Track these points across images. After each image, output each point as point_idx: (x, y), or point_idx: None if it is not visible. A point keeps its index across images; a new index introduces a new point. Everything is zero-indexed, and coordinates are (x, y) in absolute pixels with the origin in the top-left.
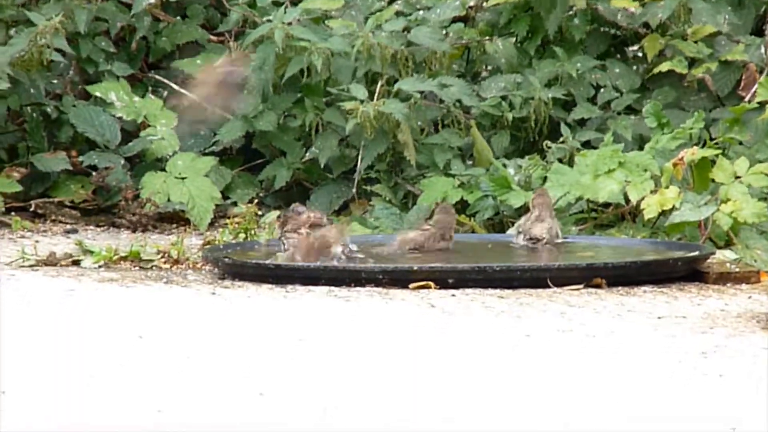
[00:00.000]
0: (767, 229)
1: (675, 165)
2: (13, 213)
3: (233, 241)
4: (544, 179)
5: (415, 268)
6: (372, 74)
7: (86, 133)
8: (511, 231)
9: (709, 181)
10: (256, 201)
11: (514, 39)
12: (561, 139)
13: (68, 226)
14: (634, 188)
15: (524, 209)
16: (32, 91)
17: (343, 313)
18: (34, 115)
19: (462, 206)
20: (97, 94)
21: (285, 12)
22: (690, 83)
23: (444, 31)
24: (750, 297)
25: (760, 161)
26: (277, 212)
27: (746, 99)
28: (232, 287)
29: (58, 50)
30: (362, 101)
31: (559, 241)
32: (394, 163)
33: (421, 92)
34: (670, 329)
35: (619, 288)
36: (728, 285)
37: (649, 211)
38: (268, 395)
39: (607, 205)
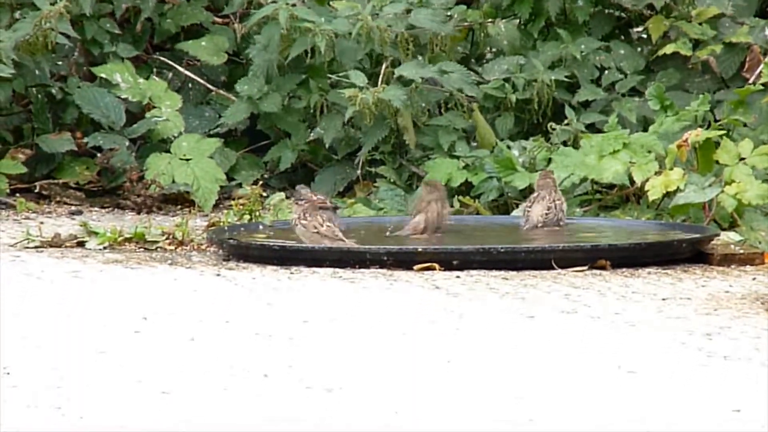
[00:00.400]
0: None
1: (679, 146)
2: (17, 194)
3: (238, 223)
4: (549, 161)
5: (420, 249)
6: (376, 56)
7: (91, 115)
8: (516, 212)
9: (714, 162)
10: (260, 182)
11: (517, 21)
12: (565, 121)
13: (73, 208)
14: (638, 169)
15: (529, 190)
16: (37, 72)
17: (348, 295)
18: (39, 96)
19: (466, 188)
20: (103, 75)
21: None
22: (694, 65)
23: (448, 13)
24: (754, 278)
25: (764, 143)
26: (282, 194)
27: (750, 81)
28: (237, 269)
29: (62, 33)
30: (361, 88)
31: (563, 222)
32: (399, 144)
33: (423, 78)
34: (674, 311)
35: (624, 269)
36: (732, 266)
37: (654, 193)
38: (272, 377)
39: (611, 186)
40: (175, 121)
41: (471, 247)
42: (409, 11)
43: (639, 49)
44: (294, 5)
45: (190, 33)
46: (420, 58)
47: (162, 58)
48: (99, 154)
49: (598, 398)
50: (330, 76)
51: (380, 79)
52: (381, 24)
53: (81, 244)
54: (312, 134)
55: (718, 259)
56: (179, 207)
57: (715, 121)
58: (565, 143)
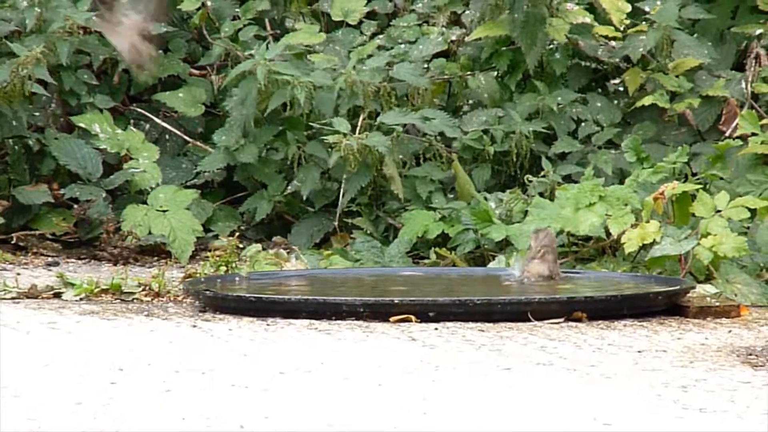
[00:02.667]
0: (747, 263)
1: (656, 199)
2: None
3: (214, 274)
4: (525, 213)
5: (396, 301)
6: (354, 108)
7: (68, 166)
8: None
9: (690, 215)
10: (237, 234)
11: (495, 73)
12: (542, 173)
13: (50, 259)
14: (614, 222)
15: (505, 242)
16: (14, 123)
17: (324, 346)
18: (16, 147)
19: (443, 240)
20: (82, 125)
21: (267, 48)
22: (671, 117)
23: (426, 66)
24: (730, 331)
25: (740, 195)
26: (258, 245)
27: (727, 134)
28: (213, 320)
29: (40, 82)
30: (345, 134)
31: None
32: (376, 196)
33: (404, 125)
34: (650, 363)
35: (600, 321)
36: (708, 319)
37: (630, 245)
38: (248, 427)
39: (587, 238)
40: (153, 173)
41: (447, 299)
42: (389, 64)
43: (615, 101)
44: (271, 60)
45: (167, 84)
46: (401, 109)
47: (139, 110)
48: (76, 206)
49: None
50: (312, 125)
51: (358, 129)
52: (364, 78)
53: (57, 295)
54: (289, 186)
55: (694, 311)
56: (156, 258)
57: (692, 174)
58: (541, 195)
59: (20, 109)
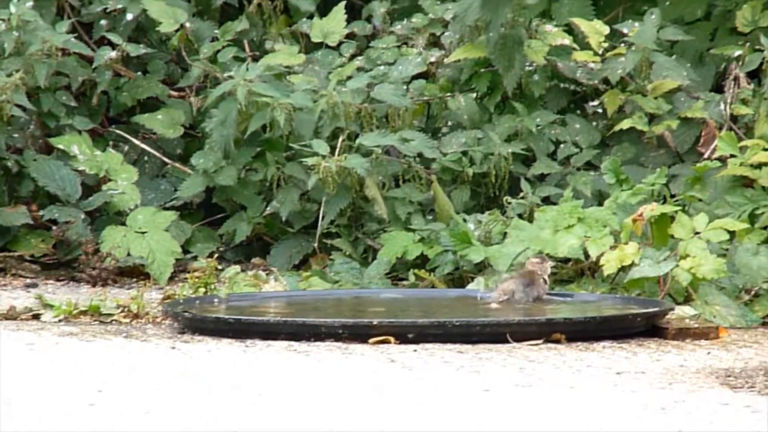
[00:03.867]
0: (726, 285)
1: (634, 221)
2: None
3: (193, 296)
4: (504, 235)
5: (375, 322)
6: (334, 129)
7: (47, 187)
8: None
9: (669, 237)
10: (216, 255)
11: (474, 95)
12: (521, 195)
13: (28, 280)
14: (593, 244)
15: (484, 264)
16: None
17: (303, 368)
18: None
19: (422, 261)
20: (60, 146)
21: (247, 69)
22: (649, 139)
23: (405, 87)
24: (709, 353)
25: (719, 217)
26: (238, 267)
27: (705, 155)
28: (192, 341)
29: (18, 105)
30: (324, 156)
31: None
32: (355, 217)
33: (383, 147)
34: (629, 384)
35: (579, 343)
36: (687, 341)
37: (609, 267)
38: None
39: (566, 260)
40: (131, 194)
41: (426, 320)
42: (369, 85)
43: (594, 123)
44: (251, 81)
45: (146, 106)
46: (380, 130)
47: (118, 131)
48: (54, 227)
49: None
50: (291, 146)
51: (338, 150)
52: (345, 99)
53: (36, 316)
54: (268, 207)
55: (673, 333)
56: (134, 280)
57: (671, 195)
58: (520, 216)
59: None
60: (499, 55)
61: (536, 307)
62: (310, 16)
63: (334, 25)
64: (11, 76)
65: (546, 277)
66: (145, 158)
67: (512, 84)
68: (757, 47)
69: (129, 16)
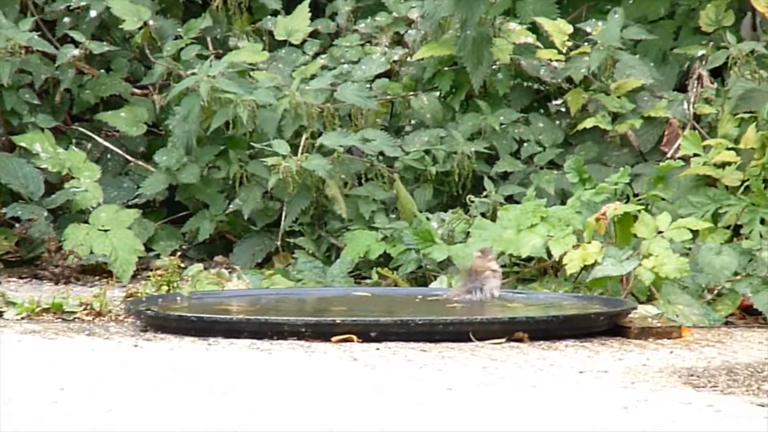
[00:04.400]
0: (689, 284)
1: (597, 220)
2: None
3: (156, 294)
4: (467, 234)
5: (338, 321)
6: (297, 128)
7: (9, 185)
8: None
9: (632, 236)
10: (179, 253)
11: (438, 93)
12: (484, 193)
13: None
14: (556, 243)
15: (447, 263)
16: None
17: (265, 366)
18: None
19: (385, 260)
20: (23, 144)
21: (210, 65)
22: (613, 138)
23: (369, 86)
24: (671, 352)
25: (682, 216)
26: (200, 265)
27: (669, 155)
28: (155, 339)
29: None
30: (284, 156)
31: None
32: (318, 216)
33: (345, 147)
34: (592, 383)
35: (541, 342)
36: (650, 340)
37: (572, 266)
38: None
39: (529, 259)
40: (94, 192)
41: (389, 318)
42: (333, 84)
43: (558, 122)
44: (214, 77)
45: (109, 104)
46: (343, 129)
47: (81, 129)
48: (17, 225)
49: None
50: (253, 145)
51: (300, 150)
52: (308, 98)
53: None
54: (231, 205)
55: (636, 332)
56: (97, 278)
57: (634, 194)
58: (483, 215)
59: None
60: (469, 54)
61: (497, 304)
62: (274, 14)
63: (298, 23)
64: None
65: (494, 268)
66: (108, 156)
67: (479, 82)
68: (721, 46)
69: (92, 14)
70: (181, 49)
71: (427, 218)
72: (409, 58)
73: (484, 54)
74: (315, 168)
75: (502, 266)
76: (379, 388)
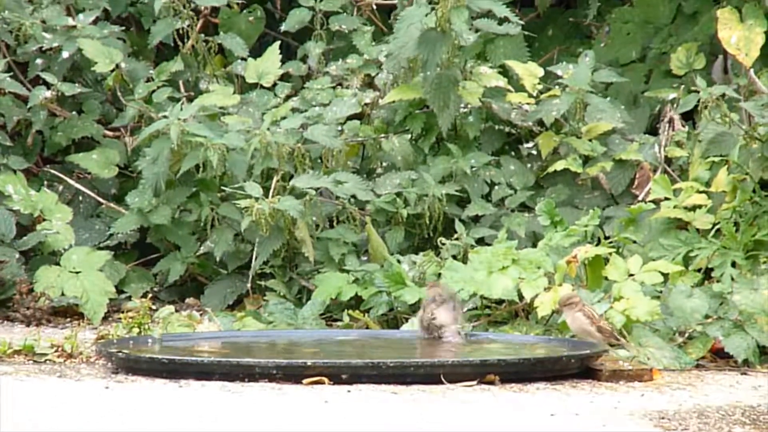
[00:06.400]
0: (660, 327)
1: (568, 262)
2: None
3: (127, 336)
4: (439, 276)
5: (309, 363)
6: (268, 170)
7: None
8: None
9: (603, 278)
10: (150, 295)
11: (409, 136)
12: (455, 236)
13: None
14: (527, 285)
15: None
16: None
17: (237, 409)
18: None
19: (356, 302)
20: None
21: (181, 108)
22: (584, 181)
23: (340, 128)
24: (643, 395)
25: (653, 259)
26: (171, 307)
27: (640, 197)
28: (126, 381)
29: None
30: (257, 198)
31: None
32: (289, 258)
33: (317, 188)
34: (562, 426)
35: (513, 384)
36: (621, 382)
37: (543, 309)
38: None
39: (500, 301)
40: (66, 234)
41: (360, 361)
42: (303, 126)
43: (529, 164)
44: (185, 120)
45: (80, 146)
46: (314, 171)
47: (53, 171)
48: None
49: None
50: (224, 188)
51: (271, 192)
52: (279, 139)
53: None
54: (202, 247)
55: (607, 375)
56: (69, 319)
57: (605, 237)
58: (455, 257)
59: None
60: (434, 95)
61: (468, 348)
62: (244, 58)
63: (269, 65)
64: None
65: (437, 301)
66: (80, 198)
67: (447, 124)
68: (692, 89)
69: (65, 55)
70: (153, 91)
71: (399, 261)
72: (380, 101)
73: (451, 96)
74: (287, 209)
75: (474, 308)
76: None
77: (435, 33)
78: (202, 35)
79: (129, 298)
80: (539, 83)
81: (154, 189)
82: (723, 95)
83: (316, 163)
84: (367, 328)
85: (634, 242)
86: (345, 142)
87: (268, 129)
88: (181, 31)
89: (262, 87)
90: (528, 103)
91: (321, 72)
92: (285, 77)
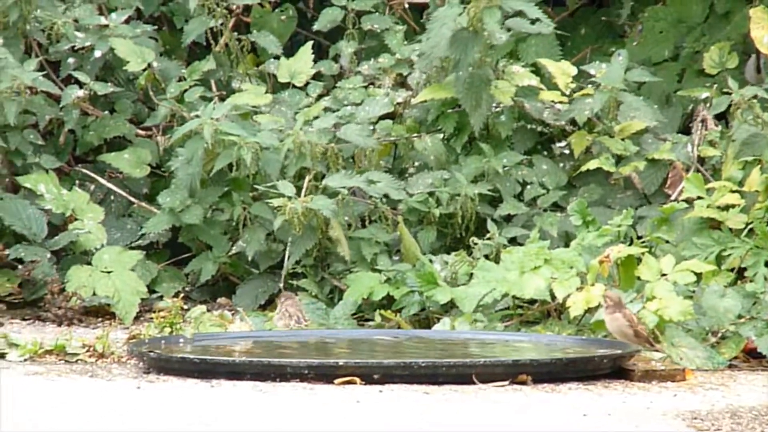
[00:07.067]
0: (693, 327)
1: (601, 262)
2: None
3: (158, 335)
4: (471, 275)
5: (341, 363)
6: (300, 169)
7: (13, 226)
8: None
9: (635, 278)
10: (181, 295)
11: (441, 135)
12: (487, 236)
13: None
14: (560, 285)
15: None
16: None
17: (268, 409)
18: None
19: (388, 302)
20: (27, 185)
21: (214, 108)
22: (616, 181)
23: (372, 128)
24: (675, 395)
25: (685, 259)
26: (203, 306)
27: (672, 197)
28: (157, 381)
29: None
30: (290, 198)
31: None
32: (321, 257)
33: (349, 188)
34: (595, 426)
35: (545, 385)
36: (654, 383)
37: (575, 309)
38: None
39: (532, 301)
40: (97, 234)
41: (392, 361)
42: (336, 125)
43: (561, 164)
44: (218, 119)
45: (112, 145)
46: (346, 171)
47: (84, 170)
48: (20, 266)
49: None
50: (256, 187)
51: (304, 191)
52: (312, 138)
53: (2, 355)
54: (234, 247)
55: (639, 375)
56: (100, 319)
57: (638, 237)
58: (487, 257)
59: None
60: (466, 95)
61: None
62: (277, 56)
63: (302, 64)
64: None
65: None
66: (112, 197)
67: (479, 124)
68: (725, 90)
69: (97, 54)
70: (185, 90)
71: (431, 260)
72: (412, 100)
73: (483, 96)
74: (320, 208)
75: (506, 308)
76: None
77: (467, 33)
78: (235, 33)
79: (161, 297)
80: (572, 82)
81: (189, 189)
82: (755, 96)
83: (349, 163)
84: (399, 327)
85: (667, 242)
86: (378, 141)
87: (301, 129)
88: (214, 29)
89: (294, 86)
90: (561, 102)
91: (353, 71)
92: (317, 76)
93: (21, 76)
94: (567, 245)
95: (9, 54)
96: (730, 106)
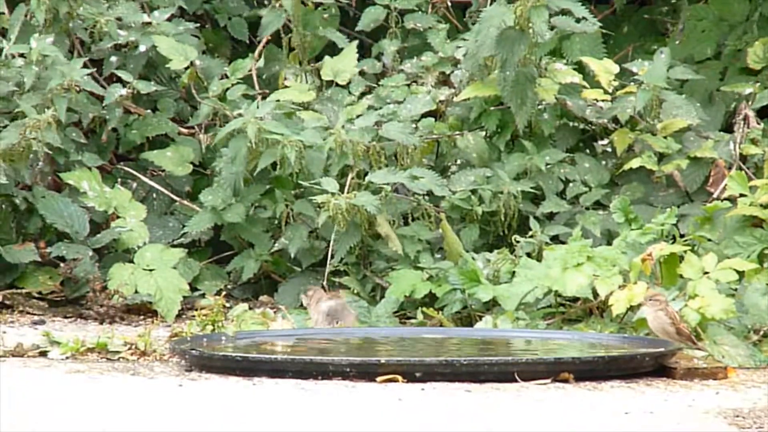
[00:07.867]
0: (735, 325)
1: (643, 260)
2: None
3: (200, 333)
4: (513, 273)
5: (383, 361)
6: (343, 167)
7: (55, 224)
8: None
9: (678, 276)
10: (223, 293)
11: (484, 133)
12: (530, 234)
13: (36, 317)
14: (602, 283)
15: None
16: (1, 181)
17: (310, 407)
18: (3, 206)
19: (430, 299)
20: (70, 182)
21: (257, 106)
22: (659, 179)
23: (414, 125)
24: (717, 393)
25: (728, 257)
26: (245, 305)
27: (715, 195)
28: (199, 379)
29: (47, 143)
30: (334, 194)
31: None
32: (363, 255)
33: (392, 185)
34: (637, 424)
35: (587, 383)
36: (696, 381)
37: (618, 307)
38: None
39: (575, 299)
40: (140, 232)
41: (434, 359)
42: (378, 123)
43: (604, 162)
44: (261, 118)
45: (155, 143)
46: (389, 168)
47: (126, 168)
48: (62, 264)
49: None
50: (300, 184)
51: (347, 188)
52: (354, 137)
53: (43, 353)
54: (276, 245)
55: (681, 373)
56: (142, 317)
57: (681, 235)
58: (529, 255)
59: (22, 169)
60: (511, 93)
61: (542, 346)
62: (319, 57)
63: (346, 63)
64: (42, 113)
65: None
66: (154, 195)
67: (524, 122)
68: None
69: (141, 48)
70: (227, 89)
71: (473, 258)
72: (454, 98)
73: (528, 94)
74: (364, 204)
75: (548, 306)
76: (424, 430)
77: (514, 32)
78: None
79: (203, 295)
80: (614, 80)
81: (233, 188)
82: None
83: (391, 161)
84: (441, 325)
85: (709, 240)
86: (420, 139)
87: (343, 127)
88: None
89: (337, 84)
90: (603, 100)
91: (396, 69)
92: (360, 75)
93: (71, 73)
94: (609, 244)
95: (58, 51)
96: None
